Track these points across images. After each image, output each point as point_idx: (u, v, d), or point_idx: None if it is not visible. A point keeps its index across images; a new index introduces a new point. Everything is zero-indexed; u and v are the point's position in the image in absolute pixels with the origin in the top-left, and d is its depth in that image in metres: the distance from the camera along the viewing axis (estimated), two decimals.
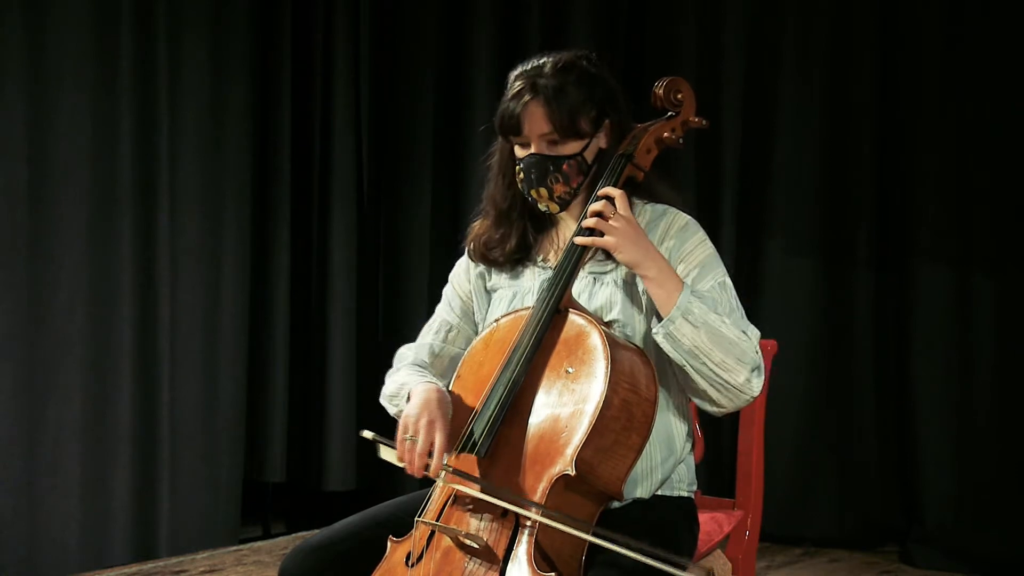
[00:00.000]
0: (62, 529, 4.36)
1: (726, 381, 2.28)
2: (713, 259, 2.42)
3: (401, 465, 2.30)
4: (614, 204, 2.32)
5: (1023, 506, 4.57)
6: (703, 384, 2.30)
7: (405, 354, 2.59)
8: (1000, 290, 4.66)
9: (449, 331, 2.60)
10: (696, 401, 2.37)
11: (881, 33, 4.87)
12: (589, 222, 2.32)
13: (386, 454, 2.34)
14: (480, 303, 2.58)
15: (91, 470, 4.42)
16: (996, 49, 4.64)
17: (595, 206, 2.32)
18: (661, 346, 2.30)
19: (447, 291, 2.63)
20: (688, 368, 2.29)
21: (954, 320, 4.72)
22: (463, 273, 2.61)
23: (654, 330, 2.30)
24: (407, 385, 2.44)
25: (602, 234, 2.31)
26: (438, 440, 2.26)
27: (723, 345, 2.27)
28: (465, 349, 2.54)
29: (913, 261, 4.80)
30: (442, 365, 2.57)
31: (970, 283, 4.70)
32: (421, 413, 2.29)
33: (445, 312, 2.62)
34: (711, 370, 2.28)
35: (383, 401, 2.55)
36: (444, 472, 2.25)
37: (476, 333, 2.58)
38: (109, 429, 4.47)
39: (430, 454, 2.26)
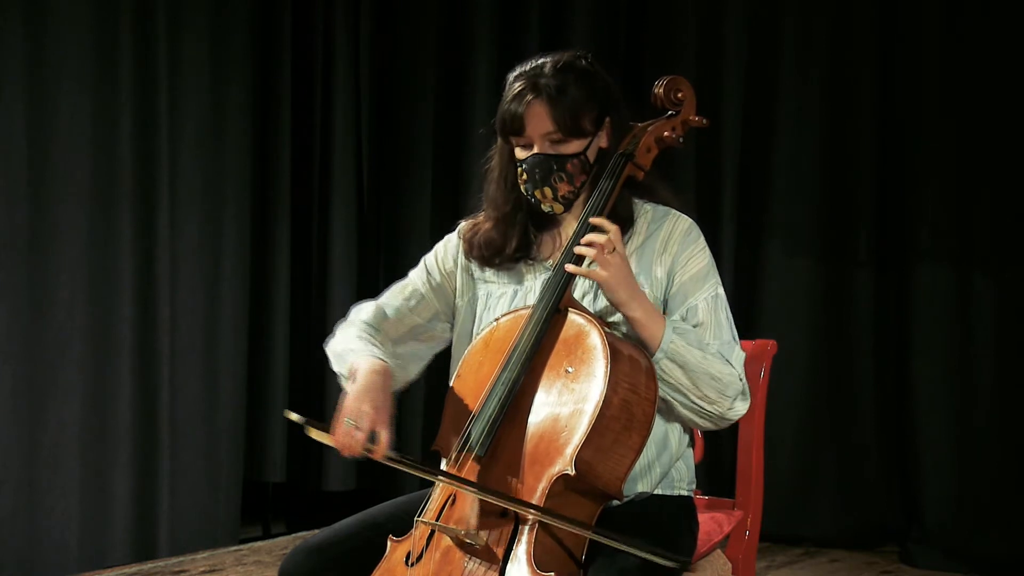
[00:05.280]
0: (62, 529, 4.36)
1: (708, 412, 2.34)
2: (709, 269, 2.43)
3: (334, 446, 2.27)
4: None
5: (1023, 506, 4.57)
6: (687, 413, 2.35)
7: (364, 308, 2.57)
8: (1000, 290, 4.66)
9: (419, 300, 2.58)
10: (680, 425, 2.43)
11: (881, 33, 4.87)
12: (584, 251, 2.30)
13: (317, 435, 2.27)
14: (464, 287, 2.56)
15: (91, 470, 4.42)
16: (996, 49, 4.65)
17: (592, 237, 2.31)
18: None
19: (428, 260, 2.61)
20: (672, 400, 2.34)
21: (954, 320, 4.72)
22: (451, 251, 2.59)
23: None
24: (354, 353, 2.41)
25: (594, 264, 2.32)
26: (384, 436, 2.25)
27: (706, 381, 2.32)
28: (427, 321, 2.56)
29: (913, 261, 4.80)
30: (398, 331, 2.56)
31: (970, 283, 4.71)
32: (364, 399, 2.28)
33: (419, 281, 2.60)
34: (693, 403, 2.33)
35: (328, 351, 2.53)
36: (388, 455, 2.23)
37: (444, 310, 2.58)
38: (109, 429, 4.47)
39: (371, 440, 2.24)
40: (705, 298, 2.40)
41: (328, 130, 5.26)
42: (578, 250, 2.32)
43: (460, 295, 2.57)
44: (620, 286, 2.31)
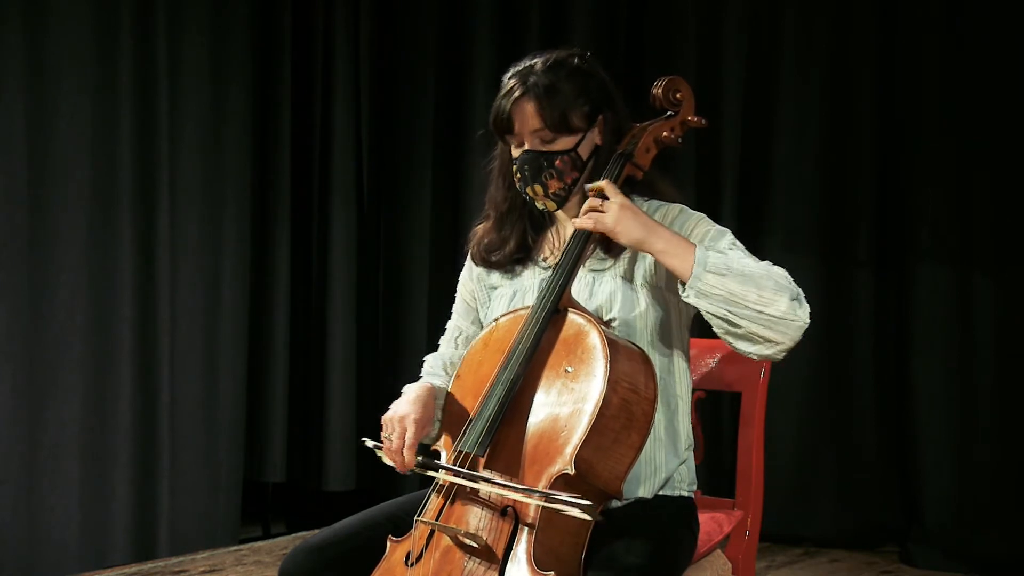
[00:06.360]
0: (62, 529, 4.36)
1: (771, 315, 2.23)
2: (718, 231, 2.40)
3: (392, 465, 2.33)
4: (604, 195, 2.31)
5: (1023, 506, 4.57)
6: (751, 326, 2.24)
7: (430, 359, 2.61)
8: (1000, 290, 4.66)
9: (459, 337, 2.62)
10: (752, 349, 2.28)
11: (881, 33, 4.87)
12: (582, 222, 2.30)
13: (385, 459, 2.35)
14: (483, 304, 2.59)
15: (91, 470, 4.42)
16: (996, 49, 4.64)
17: (587, 204, 2.31)
18: (697, 306, 2.26)
19: (457, 299, 2.65)
20: (731, 315, 2.24)
21: (954, 320, 4.72)
22: (467, 277, 2.63)
23: (684, 293, 2.26)
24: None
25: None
26: (409, 433, 2.27)
27: (754, 281, 2.24)
28: None
29: (913, 261, 4.79)
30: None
31: (970, 283, 4.70)
32: (397, 410, 2.32)
33: (457, 319, 2.65)
34: (752, 309, 2.23)
35: None
36: (419, 464, 2.26)
37: None
38: (109, 429, 4.47)
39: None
40: (723, 248, 2.36)
41: (328, 130, 5.27)
42: (578, 224, 2.31)
43: (482, 312, 2.60)
44: (629, 227, 2.27)
